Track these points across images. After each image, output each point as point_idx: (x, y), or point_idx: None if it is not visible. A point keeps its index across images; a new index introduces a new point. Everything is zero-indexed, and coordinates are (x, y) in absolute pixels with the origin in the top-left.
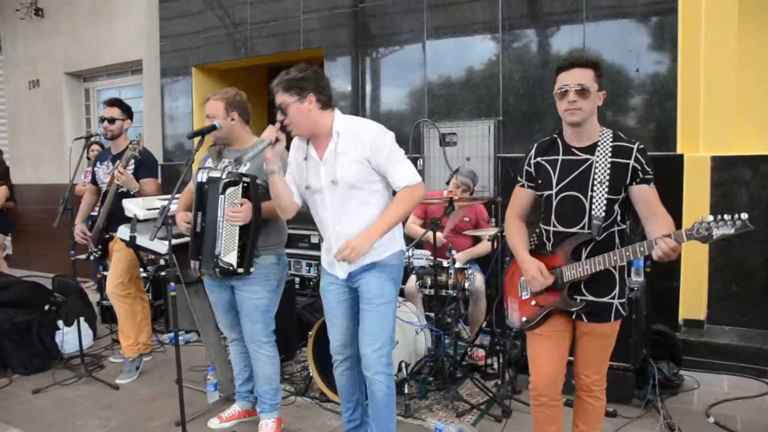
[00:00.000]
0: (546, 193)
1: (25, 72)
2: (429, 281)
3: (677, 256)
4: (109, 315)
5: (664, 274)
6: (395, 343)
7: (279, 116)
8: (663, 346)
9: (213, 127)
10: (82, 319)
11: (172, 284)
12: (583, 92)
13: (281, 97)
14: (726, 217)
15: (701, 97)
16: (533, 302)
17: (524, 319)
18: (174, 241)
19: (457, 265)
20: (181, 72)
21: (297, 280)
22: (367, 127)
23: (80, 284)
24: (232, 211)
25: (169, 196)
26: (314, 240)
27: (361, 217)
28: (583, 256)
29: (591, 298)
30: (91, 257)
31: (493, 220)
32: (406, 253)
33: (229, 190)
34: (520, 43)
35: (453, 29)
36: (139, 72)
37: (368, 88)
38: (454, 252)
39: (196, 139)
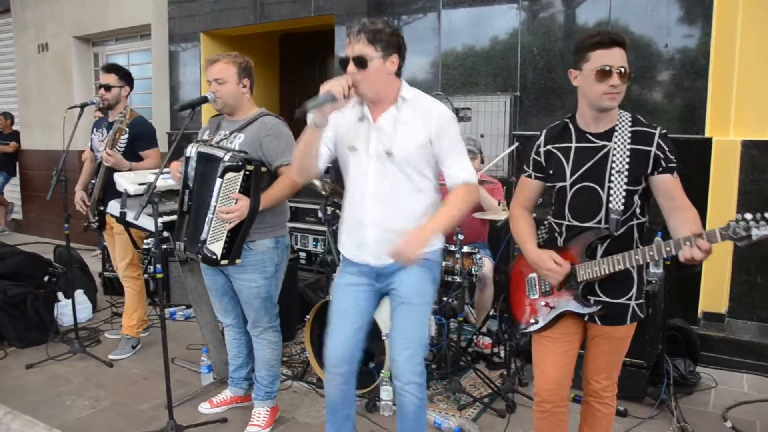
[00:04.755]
0: (559, 184)
1: (34, 35)
2: None
3: (707, 258)
4: (111, 287)
5: (684, 264)
6: (428, 347)
7: (351, 69)
8: (680, 342)
9: (204, 99)
10: (80, 291)
11: (159, 266)
12: (624, 76)
13: (363, 48)
14: None
15: (735, 76)
16: (543, 303)
17: (533, 321)
18: (166, 218)
19: (465, 249)
20: (189, 38)
21: (303, 255)
22: (438, 106)
23: (81, 255)
24: (225, 210)
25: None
26: (321, 214)
27: (409, 206)
28: (599, 253)
29: (606, 299)
30: (90, 228)
31: (504, 202)
32: None
33: (229, 175)
34: (541, 14)
35: None
36: (147, 37)
37: None
38: (461, 236)
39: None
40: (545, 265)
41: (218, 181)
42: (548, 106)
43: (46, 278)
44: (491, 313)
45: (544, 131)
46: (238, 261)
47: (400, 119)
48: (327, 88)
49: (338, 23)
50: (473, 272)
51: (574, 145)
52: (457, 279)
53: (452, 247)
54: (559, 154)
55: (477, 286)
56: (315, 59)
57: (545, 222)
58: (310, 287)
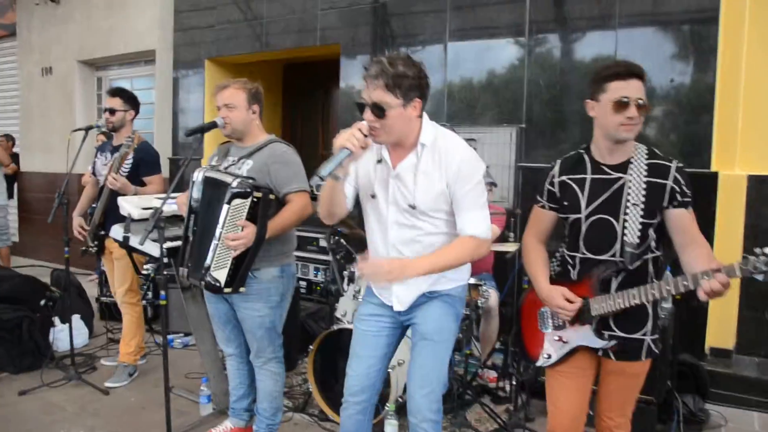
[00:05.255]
0: (573, 216)
1: (38, 59)
2: None
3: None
4: (108, 312)
5: (690, 297)
6: (447, 385)
7: (369, 116)
8: (689, 378)
9: (214, 125)
10: (77, 317)
11: (162, 293)
12: (642, 108)
13: (381, 95)
14: None
15: (740, 111)
16: (556, 337)
17: (546, 355)
18: (170, 244)
19: (471, 280)
20: (193, 64)
21: (303, 284)
22: (458, 150)
23: (78, 280)
24: (231, 237)
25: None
26: (323, 243)
27: (430, 249)
28: (613, 287)
29: (621, 333)
30: (87, 253)
31: (512, 234)
32: None
33: (236, 201)
34: (547, 48)
35: (477, 31)
36: (152, 62)
37: None
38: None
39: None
40: (556, 303)
41: (225, 207)
42: (554, 138)
43: (42, 302)
44: (496, 345)
45: (559, 161)
46: (242, 289)
47: (419, 168)
48: (341, 143)
49: (344, 53)
50: (479, 304)
51: (589, 176)
52: (464, 311)
53: None
54: (574, 185)
55: (482, 318)
56: (319, 88)
57: (557, 254)
58: (312, 317)
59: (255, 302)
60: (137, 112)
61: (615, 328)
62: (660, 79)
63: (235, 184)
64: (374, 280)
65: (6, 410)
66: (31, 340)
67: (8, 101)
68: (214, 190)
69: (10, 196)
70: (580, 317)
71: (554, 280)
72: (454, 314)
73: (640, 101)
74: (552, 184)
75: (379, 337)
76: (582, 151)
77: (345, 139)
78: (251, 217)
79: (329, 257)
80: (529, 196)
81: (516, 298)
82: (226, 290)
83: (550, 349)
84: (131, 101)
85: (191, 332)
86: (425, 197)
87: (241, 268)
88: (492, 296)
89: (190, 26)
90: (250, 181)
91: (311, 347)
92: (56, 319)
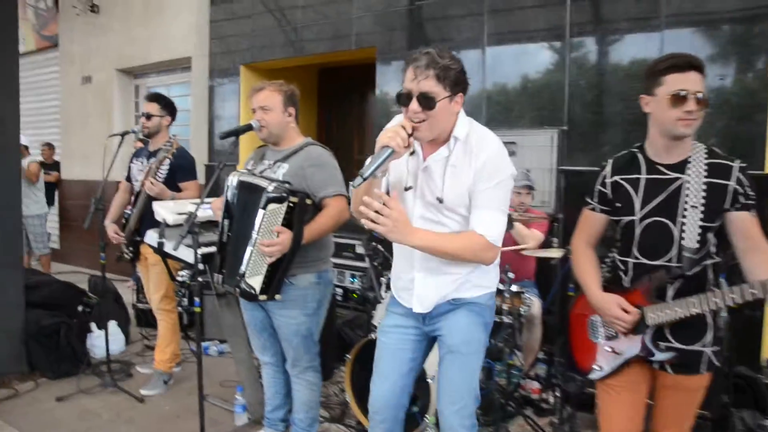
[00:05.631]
0: (626, 218)
1: (79, 68)
2: None
3: None
4: (144, 319)
5: (750, 307)
6: (479, 399)
7: (415, 107)
8: (746, 391)
9: (249, 127)
10: (113, 323)
11: (197, 300)
12: (701, 102)
13: (431, 86)
14: None
15: None
16: (608, 348)
17: (596, 367)
18: (204, 250)
19: (514, 288)
20: (229, 71)
21: (340, 291)
22: (488, 144)
23: (115, 286)
24: (266, 243)
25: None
26: (359, 250)
27: None
28: (670, 294)
29: (678, 345)
30: (123, 259)
31: (555, 239)
32: None
33: (272, 206)
34: (589, 49)
35: (515, 35)
36: (188, 70)
37: None
38: (511, 274)
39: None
40: (611, 312)
41: (260, 212)
42: (596, 140)
43: (79, 308)
44: (539, 356)
45: (611, 161)
46: (278, 297)
47: (449, 162)
48: (384, 142)
49: (379, 57)
50: (521, 312)
51: (644, 176)
52: (506, 320)
53: (501, 286)
54: (627, 185)
55: (525, 326)
56: (354, 92)
57: (607, 259)
58: (349, 325)
59: (291, 309)
60: (173, 119)
61: (672, 339)
62: (709, 79)
63: (271, 188)
64: (369, 222)
65: (44, 416)
66: (69, 346)
67: (50, 110)
68: (250, 195)
69: (50, 203)
70: (635, 327)
71: (605, 288)
72: (482, 324)
73: (700, 95)
74: (603, 184)
75: (404, 351)
76: (635, 150)
77: (389, 138)
78: (287, 222)
79: (366, 264)
80: (572, 200)
81: (561, 307)
82: (262, 297)
83: (602, 361)
84: (168, 107)
85: (226, 339)
86: (452, 191)
87: (277, 274)
88: (535, 304)
89: (225, 34)
90: (286, 185)
91: (349, 356)
92: (93, 325)
